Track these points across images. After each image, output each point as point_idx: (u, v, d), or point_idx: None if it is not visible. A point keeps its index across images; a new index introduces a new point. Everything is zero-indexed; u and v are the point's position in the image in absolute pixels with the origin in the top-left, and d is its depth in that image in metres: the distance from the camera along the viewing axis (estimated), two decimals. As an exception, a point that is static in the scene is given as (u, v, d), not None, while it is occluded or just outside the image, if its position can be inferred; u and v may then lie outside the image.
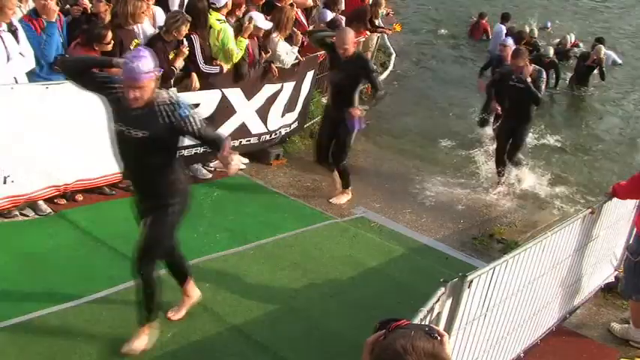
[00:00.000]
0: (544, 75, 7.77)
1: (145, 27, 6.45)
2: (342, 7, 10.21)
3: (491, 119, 9.16)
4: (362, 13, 10.27)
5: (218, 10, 6.84)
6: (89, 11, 6.34)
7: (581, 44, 15.00)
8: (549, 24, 14.37)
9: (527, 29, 13.87)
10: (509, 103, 7.91)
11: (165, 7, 7.13)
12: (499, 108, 8.31)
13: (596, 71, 13.00)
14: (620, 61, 14.98)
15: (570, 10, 19.31)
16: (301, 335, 4.70)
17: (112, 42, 5.88)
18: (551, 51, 12.41)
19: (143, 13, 6.24)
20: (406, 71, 12.69)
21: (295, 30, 7.84)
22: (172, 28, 6.22)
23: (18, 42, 5.33)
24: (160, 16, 6.77)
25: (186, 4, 6.87)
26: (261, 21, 7.05)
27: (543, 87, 7.78)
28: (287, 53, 7.47)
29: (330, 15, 9.48)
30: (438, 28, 15.98)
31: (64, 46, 5.89)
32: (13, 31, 5.30)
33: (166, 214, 4.08)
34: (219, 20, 6.79)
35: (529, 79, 7.51)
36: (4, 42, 5.18)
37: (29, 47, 5.48)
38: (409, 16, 16.31)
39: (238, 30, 6.88)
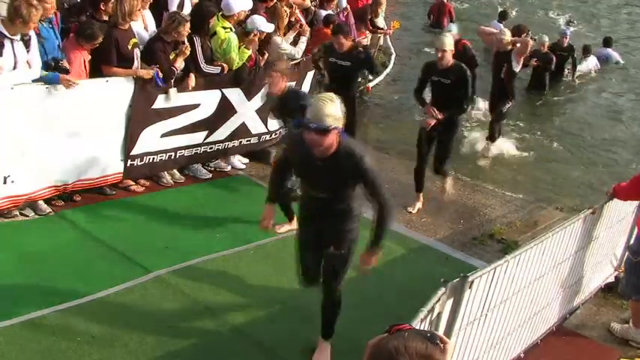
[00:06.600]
0: None
1: (139, 31, 6.44)
2: (344, 3, 10.16)
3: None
4: (363, 12, 10.29)
5: (227, 17, 6.81)
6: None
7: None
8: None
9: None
10: None
11: (164, 8, 7.11)
12: None
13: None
14: (615, 61, 14.42)
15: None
16: (301, 335, 4.70)
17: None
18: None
19: (139, 10, 6.24)
20: (407, 71, 12.66)
21: (299, 21, 7.81)
22: (170, 29, 6.24)
23: (28, 51, 5.35)
24: (150, 20, 6.75)
25: (192, 9, 6.88)
26: (263, 24, 7.04)
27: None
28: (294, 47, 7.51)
29: (323, 13, 9.47)
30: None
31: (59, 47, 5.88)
32: (25, 40, 5.32)
33: None
34: (225, 28, 6.75)
35: None
36: (14, 50, 5.21)
37: (38, 56, 5.48)
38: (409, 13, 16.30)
39: (243, 35, 6.86)
